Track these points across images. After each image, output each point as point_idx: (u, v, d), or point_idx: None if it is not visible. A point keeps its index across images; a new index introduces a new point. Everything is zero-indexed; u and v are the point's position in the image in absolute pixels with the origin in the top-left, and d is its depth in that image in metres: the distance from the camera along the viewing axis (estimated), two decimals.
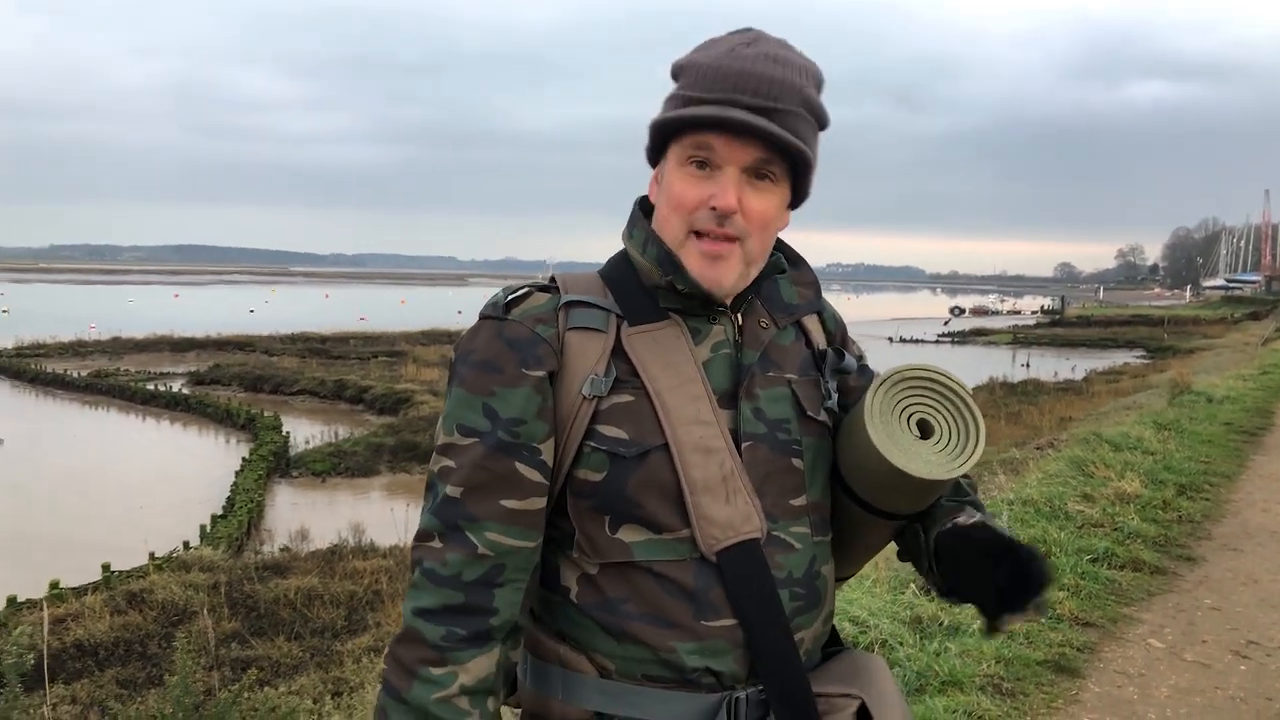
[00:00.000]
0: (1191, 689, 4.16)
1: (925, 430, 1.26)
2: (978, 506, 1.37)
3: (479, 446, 1.20)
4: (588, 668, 1.22)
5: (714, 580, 1.20)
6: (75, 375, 32.47)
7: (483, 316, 1.25)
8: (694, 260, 1.23)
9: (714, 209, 1.21)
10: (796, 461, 1.28)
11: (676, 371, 1.23)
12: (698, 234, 1.23)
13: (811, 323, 1.40)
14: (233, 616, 9.65)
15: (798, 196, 1.30)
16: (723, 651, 1.20)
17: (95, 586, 11.27)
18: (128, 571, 11.96)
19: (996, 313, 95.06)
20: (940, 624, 4.45)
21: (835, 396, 1.35)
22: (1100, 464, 7.91)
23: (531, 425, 1.20)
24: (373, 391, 28.31)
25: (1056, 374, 31.58)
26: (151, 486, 18.39)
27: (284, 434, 22.19)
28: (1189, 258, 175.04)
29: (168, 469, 20.31)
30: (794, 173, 1.25)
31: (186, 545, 13.81)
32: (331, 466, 20.14)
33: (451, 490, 1.20)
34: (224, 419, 25.52)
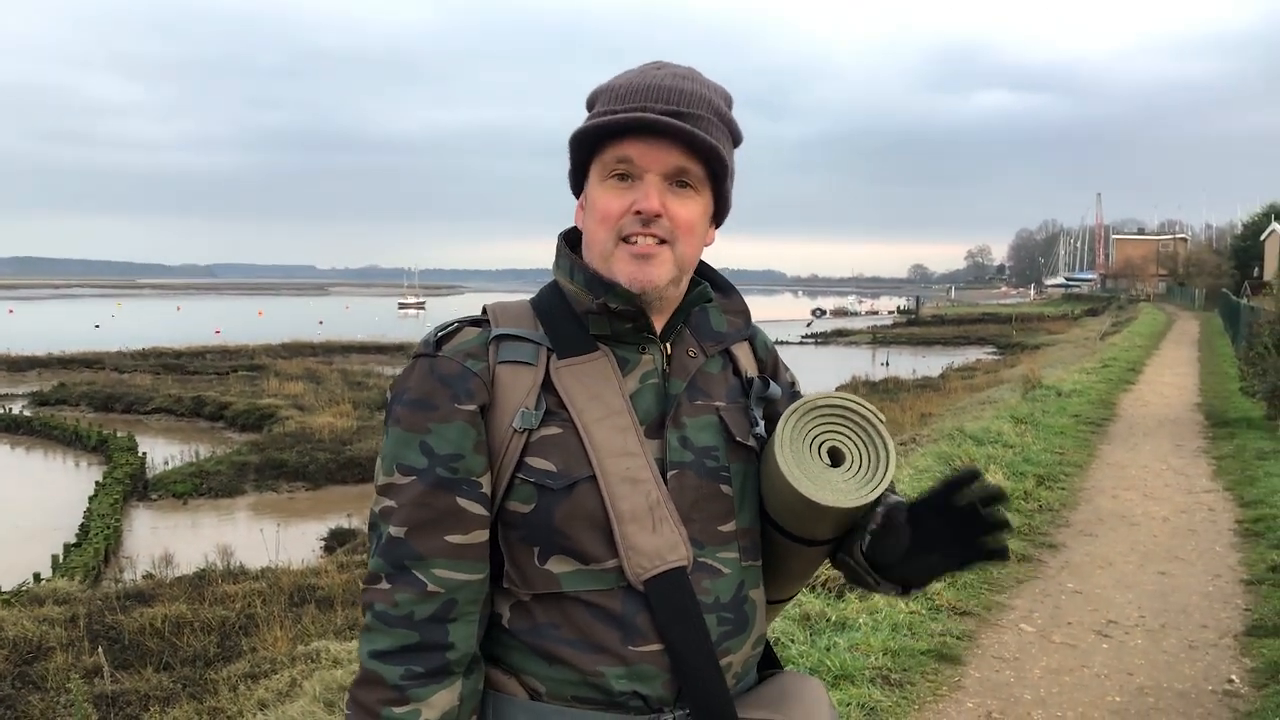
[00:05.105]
0: (1061, 669, 4.42)
1: (836, 458, 1.28)
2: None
3: (419, 484, 1.22)
4: (517, 690, 1.25)
5: (641, 607, 1.22)
6: None
7: (415, 355, 1.27)
8: (624, 264, 1.24)
9: (639, 213, 1.23)
10: (726, 488, 1.29)
11: (603, 403, 1.25)
12: (625, 240, 1.24)
13: (741, 350, 1.41)
14: (94, 650, 9.15)
15: (719, 210, 1.33)
16: (650, 676, 1.22)
17: None
18: None
19: (856, 314, 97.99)
20: (829, 620, 4.61)
21: (761, 424, 1.36)
22: (965, 458, 8.30)
23: (470, 459, 1.23)
24: (234, 408, 27.14)
25: (915, 371, 32.66)
26: None
27: (140, 455, 21.08)
28: (1032, 258, 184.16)
29: (11, 497, 19.03)
30: (713, 182, 1.28)
31: (38, 577, 13.00)
32: (193, 487, 19.23)
33: (395, 530, 1.22)
34: (73, 441, 24.06)
